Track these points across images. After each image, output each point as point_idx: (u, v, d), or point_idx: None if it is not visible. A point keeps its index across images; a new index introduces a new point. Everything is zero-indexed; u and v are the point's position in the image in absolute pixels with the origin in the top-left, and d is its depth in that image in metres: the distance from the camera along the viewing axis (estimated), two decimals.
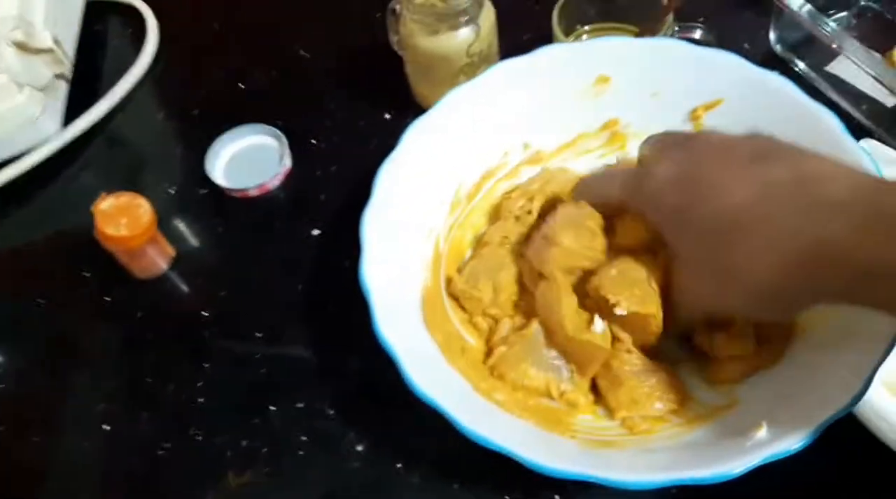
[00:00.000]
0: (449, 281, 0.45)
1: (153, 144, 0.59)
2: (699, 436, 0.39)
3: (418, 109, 0.49)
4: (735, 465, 0.34)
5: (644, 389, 0.40)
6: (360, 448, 0.44)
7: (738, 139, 0.37)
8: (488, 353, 0.43)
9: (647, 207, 0.38)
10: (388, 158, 0.44)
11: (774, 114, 0.44)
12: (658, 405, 0.40)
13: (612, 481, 0.34)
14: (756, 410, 0.39)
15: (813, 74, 0.55)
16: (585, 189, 0.45)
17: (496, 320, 0.44)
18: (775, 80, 0.46)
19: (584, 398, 0.41)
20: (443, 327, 0.43)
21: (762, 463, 0.34)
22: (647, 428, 0.40)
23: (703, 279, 0.36)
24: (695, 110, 0.48)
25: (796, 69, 0.55)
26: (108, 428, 0.46)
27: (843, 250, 0.30)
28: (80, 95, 0.60)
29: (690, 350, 0.42)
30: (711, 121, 0.47)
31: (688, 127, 0.48)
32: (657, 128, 0.43)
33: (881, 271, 0.29)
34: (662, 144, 0.40)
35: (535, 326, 0.42)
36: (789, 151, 0.35)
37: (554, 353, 0.41)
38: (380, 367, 0.45)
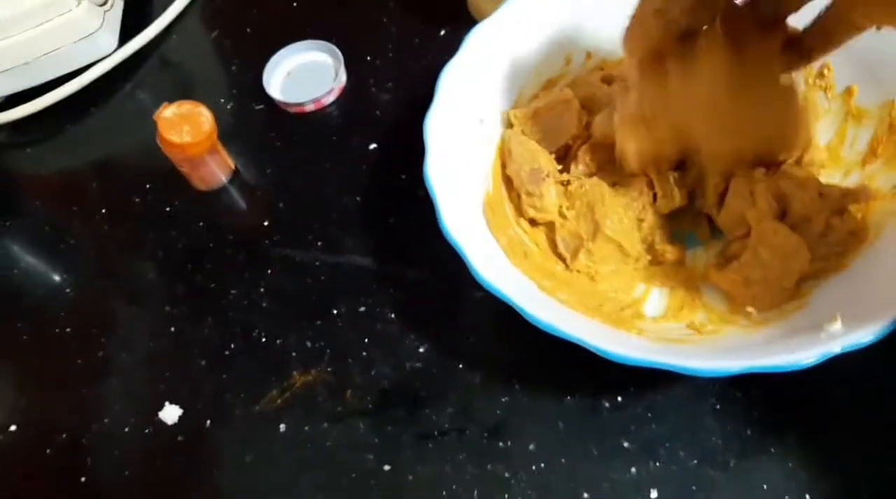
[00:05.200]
0: (509, 183, 0.45)
1: (208, 62, 0.59)
2: (768, 335, 0.38)
3: (474, 24, 0.48)
4: (809, 354, 0.33)
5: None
6: (421, 350, 0.44)
7: None
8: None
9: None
10: (450, 61, 0.44)
11: None
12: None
13: (686, 369, 0.34)
14: (825, 309, 0.38)
15: None
16: (642, 29, 0.38)
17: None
18: None
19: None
20: (505, 231, 0.43)
21: (837, 353, 0.33)
22: (713, 329, 0.40)
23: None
24: None
25: None
26: (174, 330, 0.47)
27: None
28: (134, 15, 0.60)
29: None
30: None
31: None
32: None
33: None
34: None
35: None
36: None
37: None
38: (439, 277, 0.46)
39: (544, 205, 0.44)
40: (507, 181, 0.45)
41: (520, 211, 0.45)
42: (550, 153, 0.45)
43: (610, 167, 0.45)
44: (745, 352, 0.36)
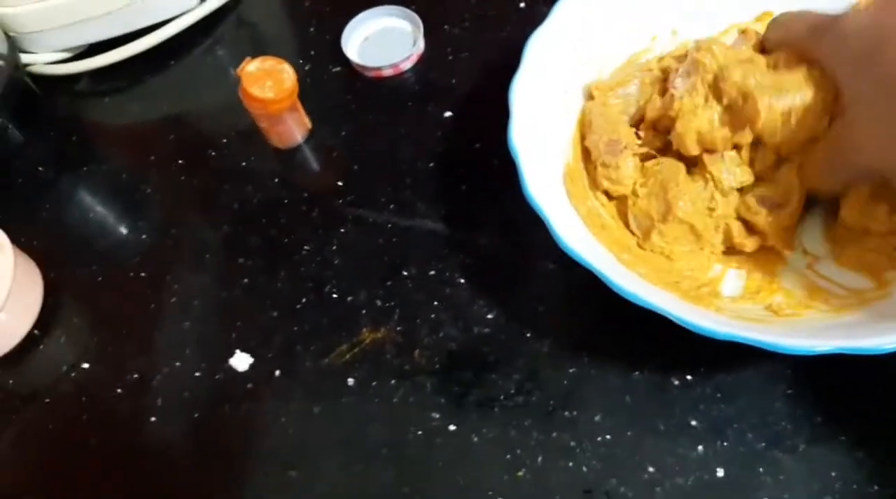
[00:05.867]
0: (587, 155, 0.45)
1: (287, 23, 0.60)
2: (847, 321, 0.38)
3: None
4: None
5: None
6: (490, 316, 0.45)
7: None
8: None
9: (829, 50, 0.36)
10: (538, 29, 0.44)
11: None
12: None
13: (774, 345, 0.33)
14: None
15: None
16: (775, 25, 0.42)
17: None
18: None
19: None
20: (584, 202, 0.43)
21: None
22: (791, 312, 0.40)
23: (885, 132, 0.34)
24: (856, 5, 0.45)
25: None
26: (247, 281, 0.47)
27: None
28: None
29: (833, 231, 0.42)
30: None
31: None
32: None
33: None
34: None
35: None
36: None
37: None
38: (510, 245, 0.46)
39: (619, 177, 0.44)
40: (586, 153, 0.45)
41: (595, 183, 0.45)
42: (631, 126, 0.45)
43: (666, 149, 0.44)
44: (829, 333, 0.35)
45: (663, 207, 0.43)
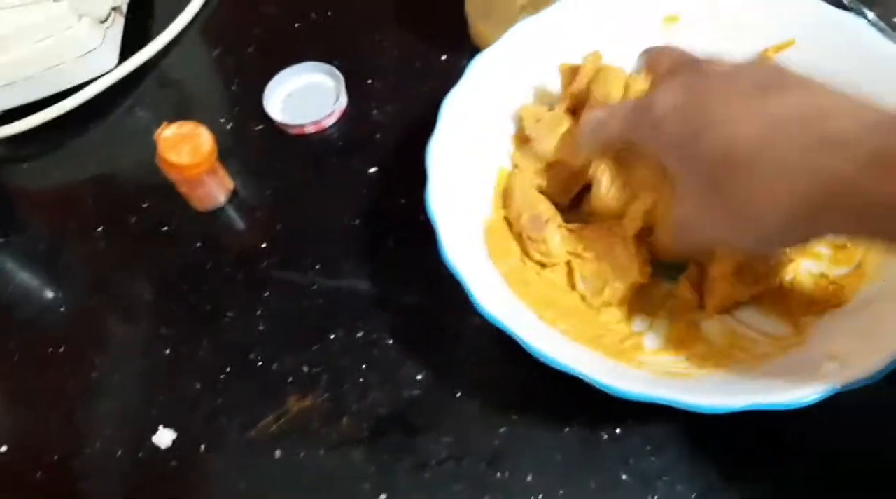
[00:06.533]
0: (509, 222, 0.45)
1: (209, 81, 0.59)
2: (768, 370, 0.38)
3: (475, 51, 0.48)
4: (810, 391, 0.33)
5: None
6: (419, 377, 0.44)
7: (745, 67, 0.35)
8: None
9: (648, 137, 0.36)
10: (453, 89, 0.44)
11: (847, 57, 0.43)
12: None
13: (687, 405, 0.33)
14: (824, 345, 0.38)
15: (882, 24, 0.53)
16: (587, 138, 0.42)
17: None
18: (851, 23, 0.45)
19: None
20: (506, 259, 0.43)
21: (838, 391, 0.33)
22: (713, 363, 0.40)
23: (705, 213, 0.34)
24: (765, 51, 0.47)
25: (866, 18, 0.54)
26: (169, 351, 0.46)
27: (850, 188, 0.29)
28: (134, 32, 0.60)
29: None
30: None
31: None
32: None
33: (886, 209, 0.28)
34: (668, 69, 0.38)
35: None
36: (798, 81, 0.33)
37: None
38: (437, 302, 0.46)
39: (549, 251, 0.44)
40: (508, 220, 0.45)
41: (527, 253, 0.44)
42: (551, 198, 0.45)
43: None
44: (746, 387, 0.36)
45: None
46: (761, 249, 0.39)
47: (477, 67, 0.45)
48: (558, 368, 0.35)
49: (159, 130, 0.48)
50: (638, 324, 0.43)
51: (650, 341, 0.42)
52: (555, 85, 0.48)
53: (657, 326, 0.43)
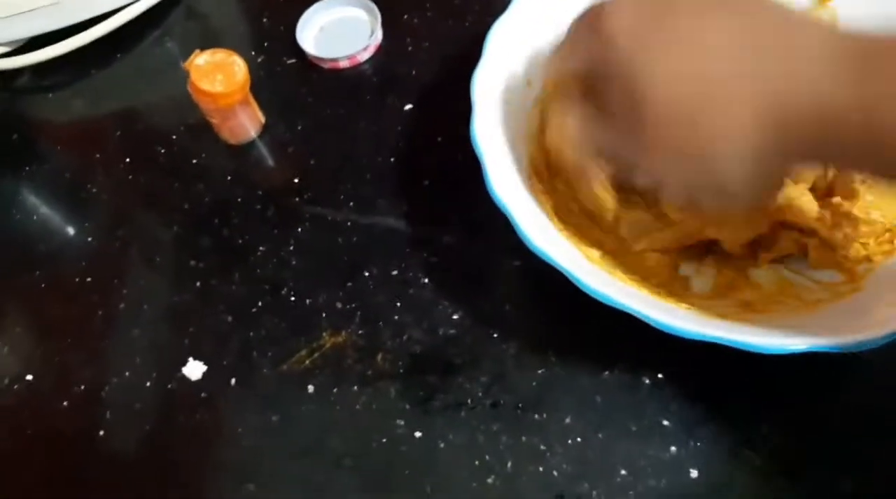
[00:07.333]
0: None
1: (239, 13, 0.58)
2: (821, 316, 0.37)
3: None
4: (874, 334, 0.32)
5: None
6: (455, 317, 0.43)
7: None
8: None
9: (603, 56, 0.32)
10: (499, 19, 0.42)
11: None
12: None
13: (748, 345, 0.32)
14: (881, 293, 0.37)
15: None
16: (554, 67, 0.37)
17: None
18: None
19: None
20: (551, 196, 0.41)
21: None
22: (762, 308, 0.38)
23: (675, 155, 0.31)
24: None
25: None
26: (199, 285, 0.45)
27: (837, 111, 0.27)
28: None
29: None
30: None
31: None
32: None
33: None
34: None
35: None
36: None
37: None
38: (474, 243, 0.45)
39: (599, 206, 0.42)
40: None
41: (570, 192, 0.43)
42: None
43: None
44: (804, 330, 0.34)
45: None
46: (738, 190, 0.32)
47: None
48: (612, 305, 0.34)
49: (191, 58, 0.46)
50: (684, 268, 0.41)
51: (697, 285, 0.40)
52: None
53: (703, 272, 0.41)
